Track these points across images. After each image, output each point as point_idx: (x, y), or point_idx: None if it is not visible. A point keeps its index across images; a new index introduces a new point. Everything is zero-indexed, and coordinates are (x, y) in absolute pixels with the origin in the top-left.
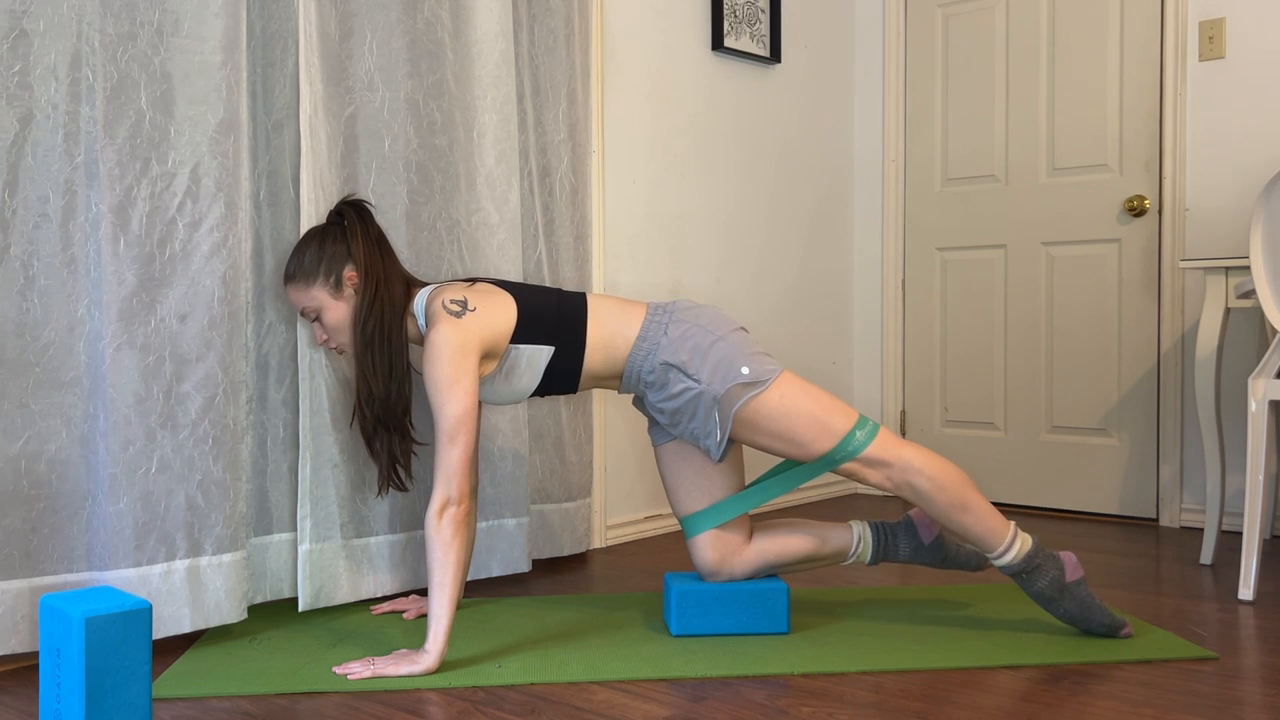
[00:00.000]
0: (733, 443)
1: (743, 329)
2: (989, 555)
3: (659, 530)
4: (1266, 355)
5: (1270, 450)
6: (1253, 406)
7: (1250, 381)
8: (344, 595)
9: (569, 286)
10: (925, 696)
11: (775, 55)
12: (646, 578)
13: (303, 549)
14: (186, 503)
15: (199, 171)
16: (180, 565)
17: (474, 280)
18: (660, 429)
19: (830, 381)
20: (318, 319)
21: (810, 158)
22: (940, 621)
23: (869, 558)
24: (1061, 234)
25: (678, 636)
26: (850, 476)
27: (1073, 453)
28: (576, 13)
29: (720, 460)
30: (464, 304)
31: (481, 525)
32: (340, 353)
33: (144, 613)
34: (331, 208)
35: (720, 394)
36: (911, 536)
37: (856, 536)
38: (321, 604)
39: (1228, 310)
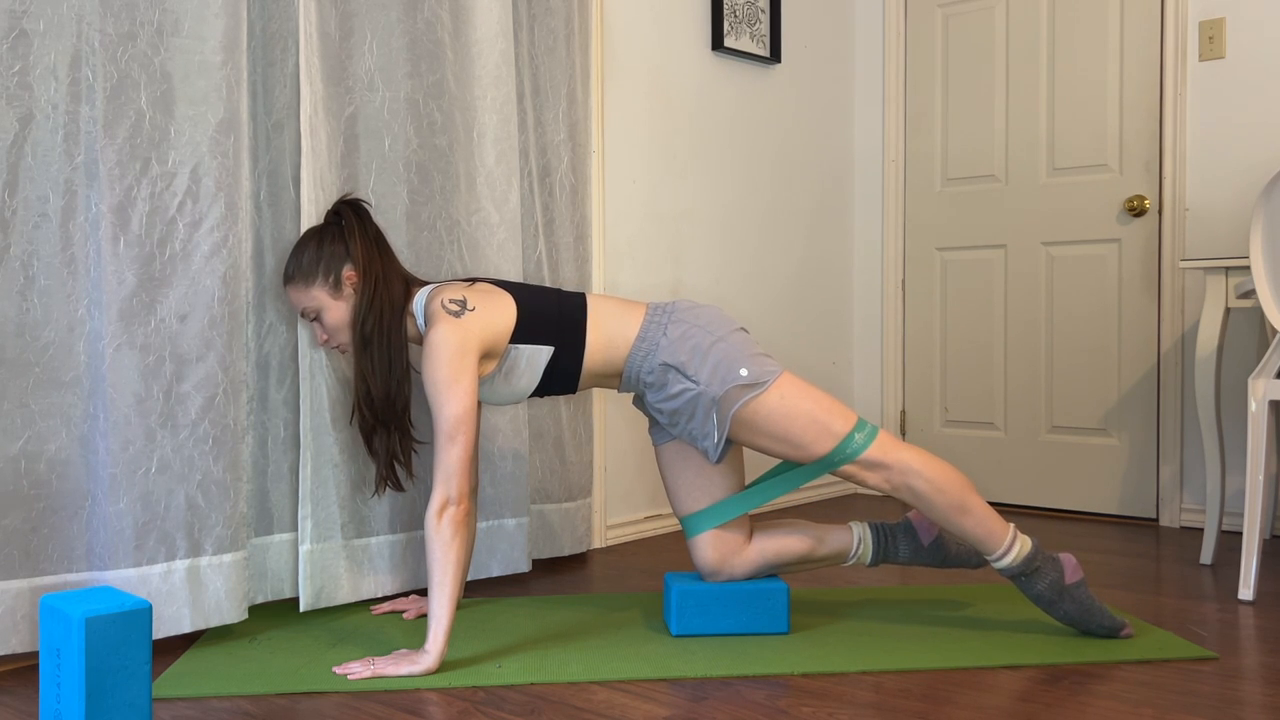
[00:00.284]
0: (731, 444)
1: (743, 329)
2: (988, 558)
3: (659, 530)
4: (1266, 355)
5: (1270, 450)
6: (1253, 406)
7: (1250, 381)
8: (344, 595)
9: (569, 286)
10: (925, 696)
11: (775, 55)
12: (646, 578)
13: (303, 549)
14: (186, 503)
15: (199, 171)
16: (180, 565)
17: (473, 280)
18: (661, 429)
19: (830, 381)
20: (317, 319)
21: (810, 158)
22: (940, 621)
23: (869, 559)
24: (1061, 234)
25: (678, 636)
26: (849, 478)
27: (1073, 453)
28: (576, 13)
29: (718, 461)
30: (463, 304)
31: (481, 525)
32: (342, 352)
33: (144, 613)
34: (337, 200)
35: (719, 395)
36: (911, 538)
37: (857, 538)
38: (322, 604)
39: (1228, 310)
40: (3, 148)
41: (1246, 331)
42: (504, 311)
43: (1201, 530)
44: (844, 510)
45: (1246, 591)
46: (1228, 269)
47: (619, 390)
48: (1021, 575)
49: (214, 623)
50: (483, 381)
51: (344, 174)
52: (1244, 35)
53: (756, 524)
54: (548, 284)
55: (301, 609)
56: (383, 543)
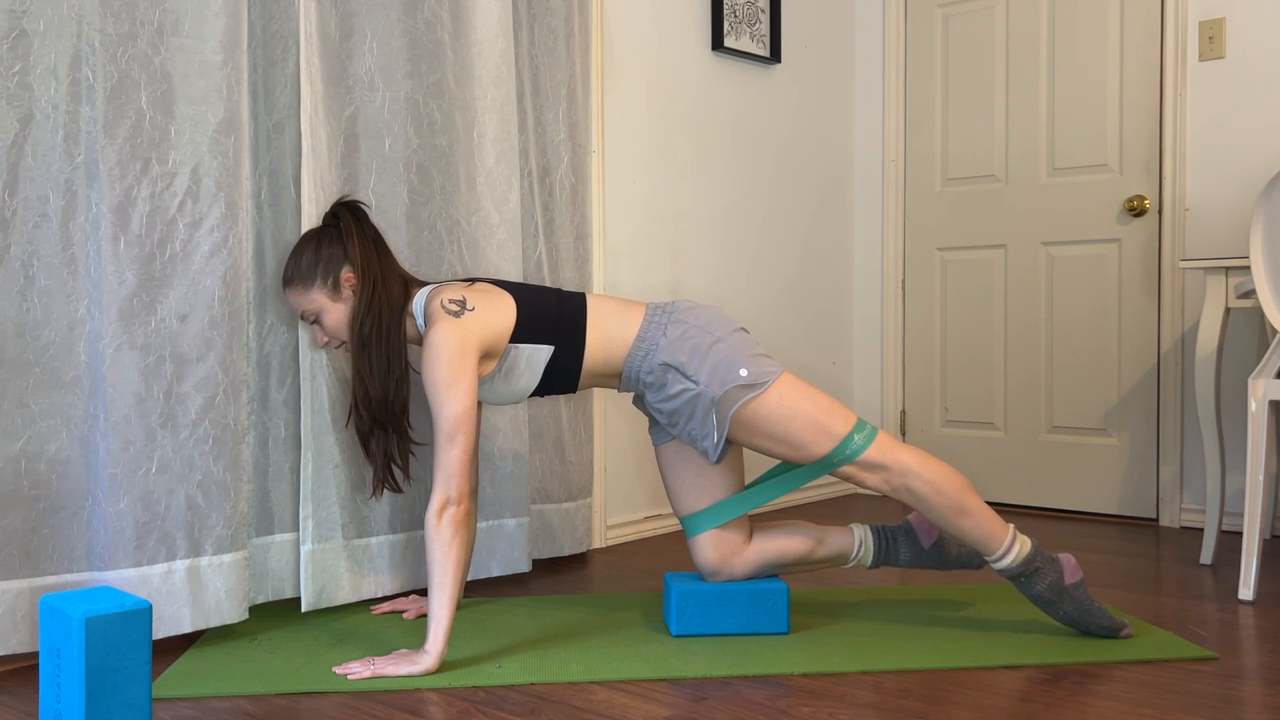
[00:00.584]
0: (731, 444)
1: (743, 329)
2: (988, 559)
3: (659, 530)
4: (1266, 355)
5: (1270, 450)
6: (1253, 406)
7: (1250, 381)
8: (345, 595)
9: (569, 286)
10: (925, 696)
11: (775, 55)
12: (646, 578)
13: (305, 549)
14: (187, 503)
15: (199, 171)
16: (180, 565)
17: (473, 280)
18: (661, 429)
19: (830, 381)
20: (317, 321)
21: (810, 158)
22: (940, 621)
23: (870, 561)
24: (1061, 234)
25: (678, 636)
26: (848, 479)
27: (1073, 453)
28: (576, 13)
29: (718, 461)
30: (463, 304)
31: (481, 525)
32: (346, 353)
33: (144, 613)
34: (334, 201)
35: (718, 395)
36: (911, 541)
37: (858, 540)
38: (323, 604)
39: (1228, 310)
40: (3, 148)
41: (1246, 331)
42: (504, 311)
43: (1201, 530)
44: (844, 510)
45: (1246, 591)
46: (1228, 269)
47: (619, 390)
48: (1021, 576)
49: (214, 623)
50: (483, 381)
51: (344, 174)
52: (1244, 35)
53: (758, 525)
54: (548, 284)
55: (303, 609)
56: (383, 543)
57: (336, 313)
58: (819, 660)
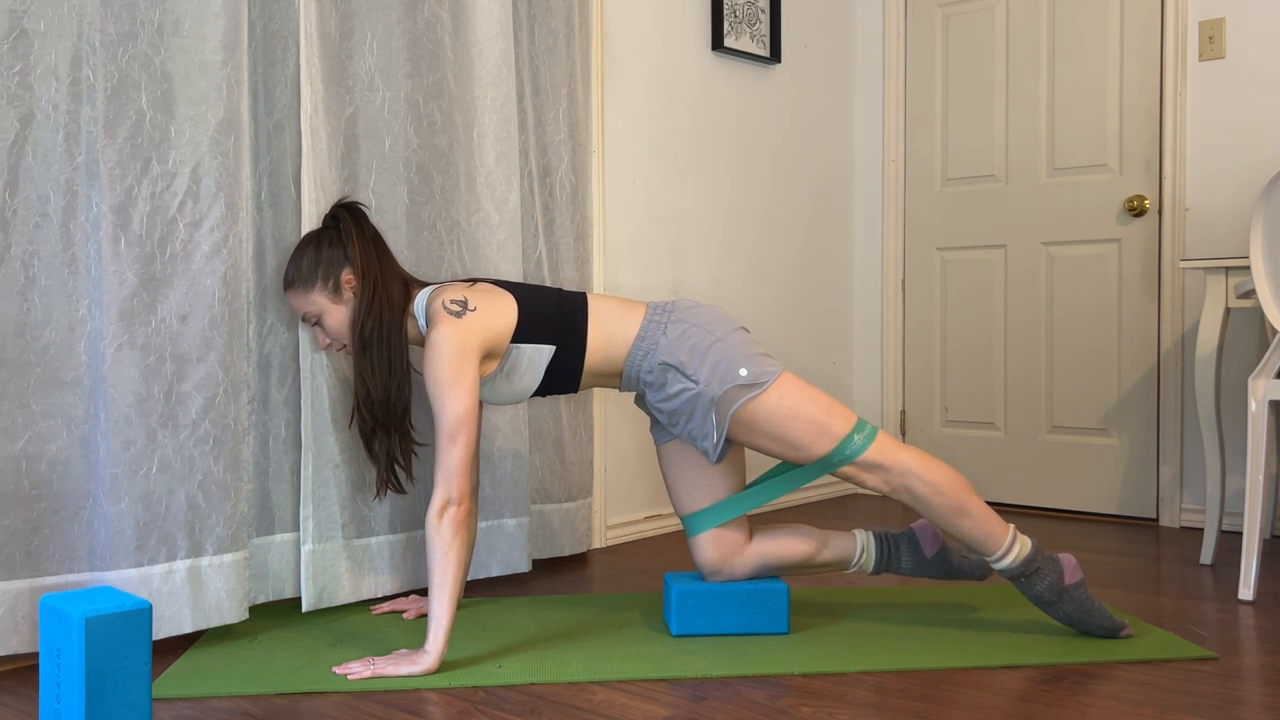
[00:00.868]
0: (731, 443)
1: (743, 329)
2: (988, 559)
3: (659, 530)
4: (1266, 355)
5: (1270, 450)
6: (1253, 406)
7: (1250, 381)
8: (346, 595)
9: (569, 286)
10: (925, 696)
11: (775, 55)
12: (646, 578)
13: (305, 549)
14: (187, 503)
15: (199, 171)
16: (181, 565)
17: (474, 280)
18: (662, 428)
19: (830, 381)
20: (318, 324)
21: (810, 158)
22: (940, 621)
23: (871, 568)
24: (1061, 234)
25: (678, 636)
26: (848, 479)
27: (1073, 453)
28: (576, 13)
29: (718, 461)
30: (464, 304)
31: (481, 525)
32: (347, 355)
33: (144, 613)
34: (334, 203)
35: (718, 395)
36: (914, 549)
37: (860, 546)
38: (324, 604)
39: (1228, 310)
40: (3, 147)
41: (1246, 331)
42: (505, 311)
43: (1201, 530)
44: (844, 509)
45: (1246, 591)
46: (1228, 269)
47: (620, 390)
48: (1021, 576)
49: (214, 623)
50: (484, 381)
51: (344, 174)
52: (1244, 35)
53: (761, 526)
54: (548, 284)
55: (304, 609)
56: (383, 543)
57: (337, 315)
58: (819, 660)
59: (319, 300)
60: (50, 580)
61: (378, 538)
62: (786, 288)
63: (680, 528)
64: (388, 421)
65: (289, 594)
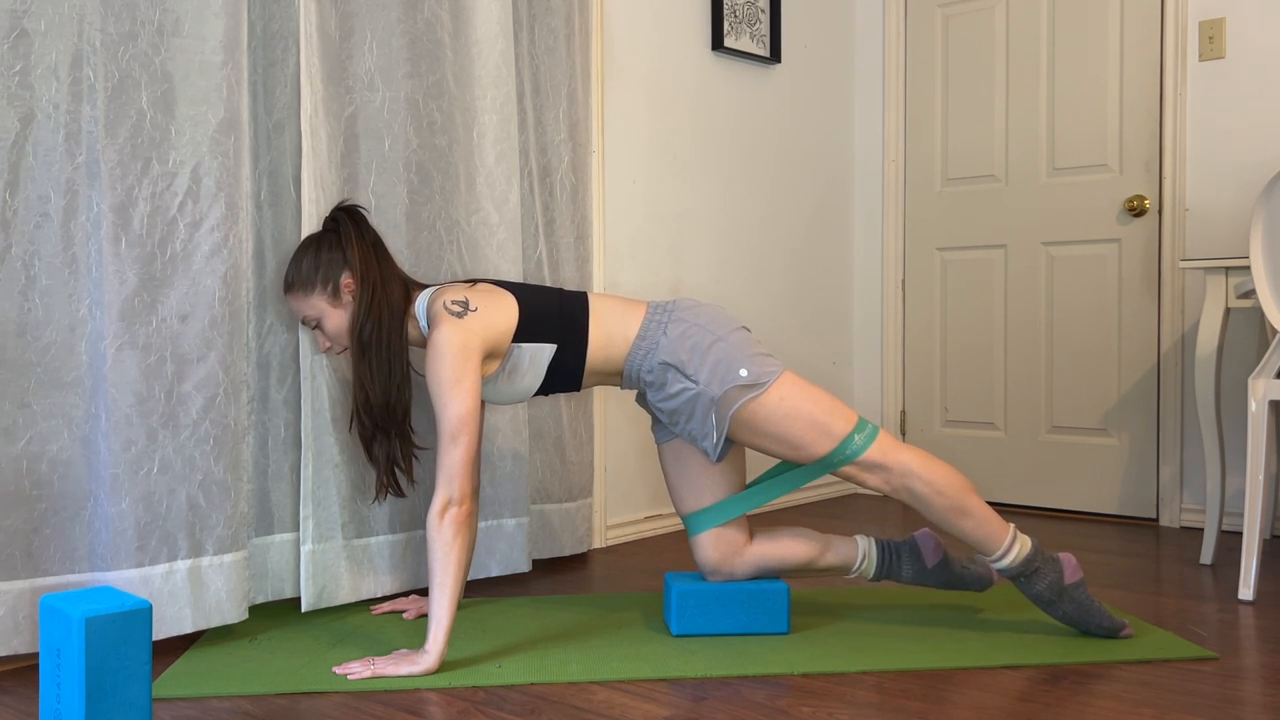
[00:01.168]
0: (732, 443)
1: (744, 328)
2: (987, 558)
3: (659, 530)
4: (1266, 355)
5: (1270, 450)
6: (1253, 406)
7: (1250, 381)
8: (345, 595)
9: (570, 286)
10: (925, 696)
11: (775, 55)
12: (646, 578)
13: (305, 549)
14: (188, 503)
15: (200, 171)
16: (182, 565)
17: (474, 281)
18: (663, 427)
19: (830, 381)
20: (318, 327)
21: (810, 158)
22: (940, 621)
23: (871, 574)
24: (1061, 234)
25: (678, 636)
26: (848, 479)
27: (1073, 453)
28: (576, 13)
29: (718, 461)
30: (465, 304)
31: (481, 525)
32: (349, 357)
33: (144, 613)
34: (332, 208)
35: (718, 395)
36: (916, 559)
37: (861, 553)
38: (324, 604)
39: (1228, 310)
40: (4, 147)
41: (1246, 331)
42: (506, 311)
43: (1201, 530)
44: (844, 510)
45: (1246, 591)
46: (1228, 269)
47: (621, 388)
48: (1021, 576)
49: (215, 623)
50: (486, 381)
51: (344, 174)
52: (1244, 35)
53: (765, 527)
54: (548, 284)
55: (304, 609)
56: (383, 543)
57: (337, 318)
58: (819, 660)
59: (319, 304)
60: (51, 580)
61: (377, 538)
62: (786, 288)
63: (680, 528)
64: (387, 425)
65: (288, 594)
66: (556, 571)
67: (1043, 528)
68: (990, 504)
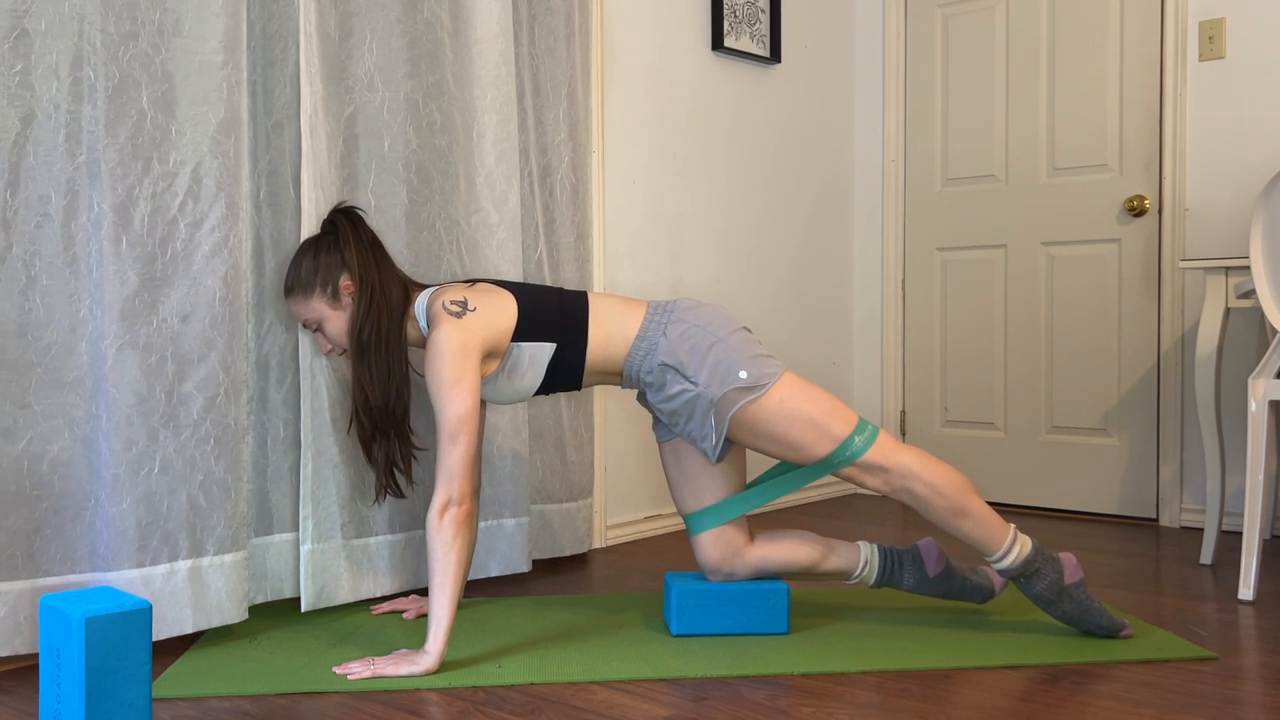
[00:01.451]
0: (732, 444)
1: (745, 329)
2: (988, 559)
3: (659, 530)
4: (1266, 355)
5: (1270, 450)
6: (1253, 406)
7: (1250, 381)
8: (345, 595)
9: (570, 286)
10: (925, 696)
11: (775, 55)
12: (646, 578)
13: (304, 549)
14: (189, 503)
15: (200, 171)
16: (183, 566)
17: (474, 281)
18: (664, 426)
19: (830, 381)
20: (319, 329)
21: (810, 158)
22: (940, 622)
23: (872, 581)
24: (1061, 234)
25: (678, 636)
26: (848, 480)
27: (1073, 453)
28: (576, 13)
29: (719, 462)
30: (464, 304)
31: (481, 525)
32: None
33: (144, 613)
34: (331, 208)
35: (717, 397)
36: (918, 567)
37: (863, 559)
38: (323, 604)
39: (1228, 310)
40: (4, 147)
41: (1246, 331)
42: (505, 310)
43: (1201, 530)
44: (844, 510)
45: (1246, 591)
46: (1228, 269)
47: (622, 387)
48: (1021, 576)
49: (215, 623)
50: (487, 380)
51: (344, 174)
52: (1244, 35)
53: (767, 528)
54: (548, 284)
55: (303, 609)
56: (382, 543)
57: (337, 320)
58: (819, 660)
59: (318, 307)
60: (52, 581)
61: (377, 538)
62: (786, 288)
63: (681, 527)
64: (387, 426)
65: (288, 594)
66: (556, 571)
67: (1043, 528)
68: (990, 504)
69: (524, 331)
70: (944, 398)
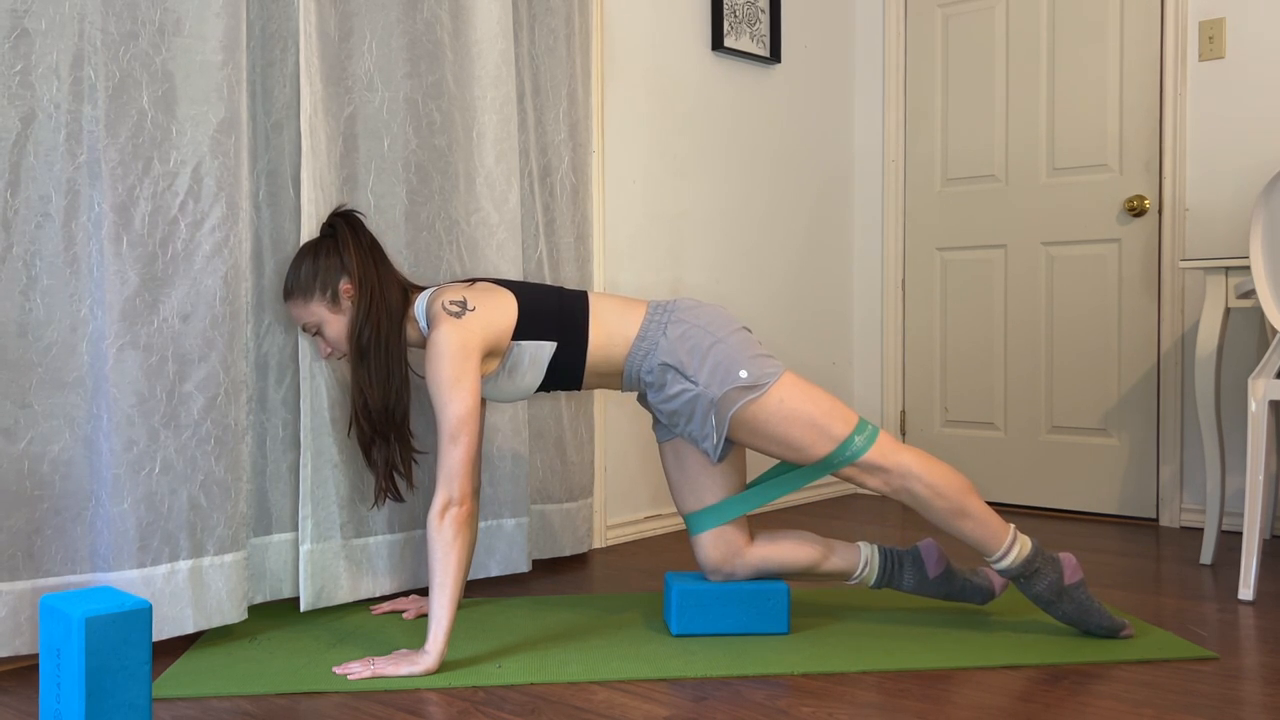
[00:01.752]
0: (732, 444)
1: (745, 329)
2: (987, 559)
3: (659, 530)
4: (1266, 355)
5: (1270, 450)
6: (1253, 406)
7: (1250, 381)
8: (344, 595)
9: (570, 286)
10: (925, 696)
11: (775, 55)
12: (646, 578)
13: (304, 549)
14: (189, 503)
15: (200, 171)
16: (183, 566)
17: (474, 280)
18: (664, 426)
19: (830, 382)
20: (319, 333)
21: (810, 158)
22: (940, 622)
23: (872, 582)
24: (1061, 234)
25: (678, 636)
26: (848, 480)
27: (1073, 453)
28: (576, 13)
29: (719, 462)
30: (463, 304)
31: (481, 525)
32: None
33: (144, 613)
34: (331, 208)
35: (717, 397)
36: (918, 569)
37: (863, 560)
38: (323, 604)
39: (1228, 310)
40: (5, 147)
41: (1246, 331)
42: (505, 309)
43: (1201, 530)
44: (843, 510)
45: (1246, 591)
46: (1228, 269)
47: (621, 390)
48: (1021, 577)
49: (215, 623)
50: (487, 380)
51: (343, 174)
52: (1244, 35)
53: (767, 528)
54: (549, 284)
55: (302, 609)
56: (381, 542)
57: (337, 324)
58: (819, 660)
59: (318, 310)
60: (53, 581)
61: (376, 537)
62: (786, 287)
63: (680, 527)
64: (386, 429)
65: (287, 594)
66: (556, 571)
67: (1043, 528)
68: (990, 504)
69: (524, 330)
70: (944, 398)
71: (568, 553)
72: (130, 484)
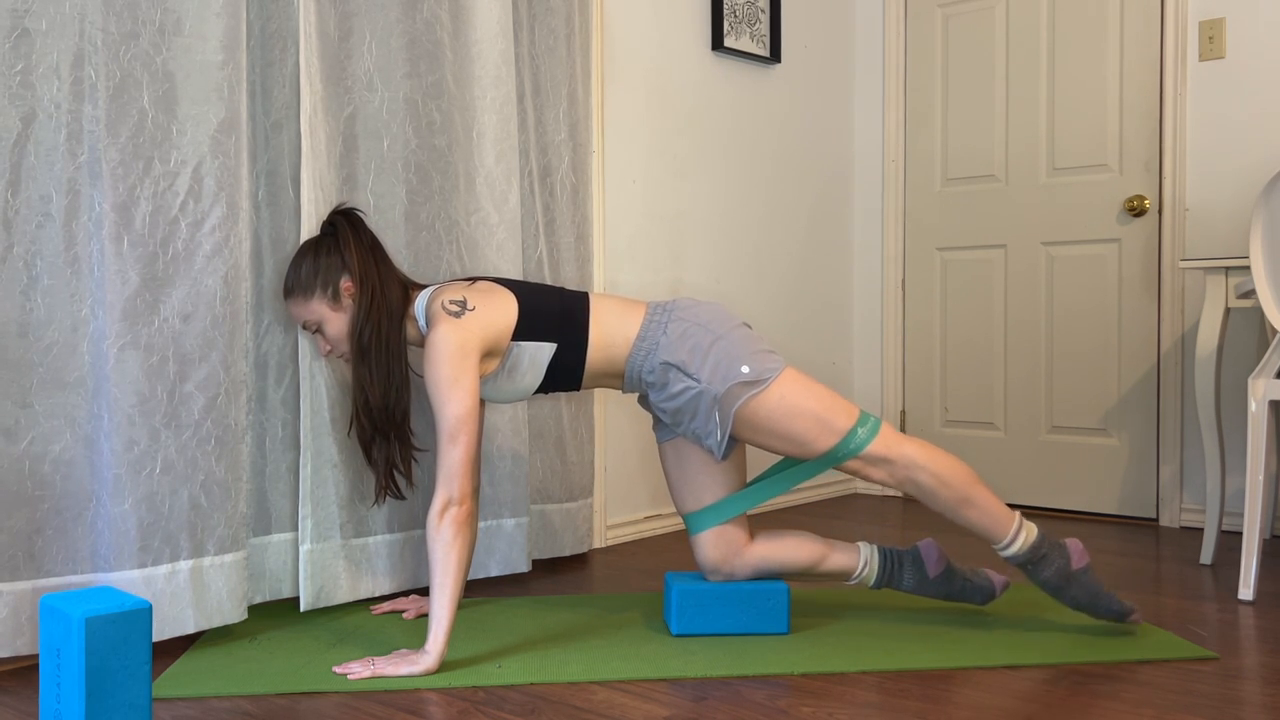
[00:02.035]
0: (735, 441)
1: (745, 325)
2: (994, 547)
3: (659, 530)
4: (1266, 355)
5: (1270, 450)
6: (1253, 406)
7: (1250, 381)
8: (344, 595)
9: (570, 286)
10: (925, 696)
11: (775, 55)
12: (646, 578)
13: (304, 549)
14: (190, 503)
15: (201, 171)
16: (184, 566)
17: (474, 279)
18: (664, 426)
19: (830, 381)
20: (319, 331)
21: (810, 157)
22: (940, 621)
23: (872, 582)
24: (1061, 234)
25: (678, 636)
26: (852, 474)
27: (1073, 453)
28: (576, 13)
29: (723, 459)
30: (463, 304)
31: (481, 525)
32: (347, 361)
33: (144, 613)
34: (330, 208)
35: (720, 393)
36: (918, 569)
37: (863, 560)
38: (322, 604)
39: (1228, 310)
40: (6, 147)
41: (1246, 331)
42: (505, 309)
43: (1201, 530)
44: (843, 509)
45: (1246, 591)
46: (1228, 269)
47: (623, 391)
48: (1028, 563)
49: (215, 623)
50: (486, 380)
51: (343, 174)
52: (1244, 35)
53: (767, 528)
54: (549, 284)
55: (302, 609)
56: (381, 542)
57: (337, 322)
58: (819, 660)
59: (318, 308)
60: (53, 581)
61: (376, 537)
62: (786, 287)
63: (680, 527)
64: (387, 428)
65: (286, 594)
66: (556, 571)
67: (1043, 528)
68: None
69: (524, 331)
70: (944, 397)
71: (568, 553)
72: (131, 484)
